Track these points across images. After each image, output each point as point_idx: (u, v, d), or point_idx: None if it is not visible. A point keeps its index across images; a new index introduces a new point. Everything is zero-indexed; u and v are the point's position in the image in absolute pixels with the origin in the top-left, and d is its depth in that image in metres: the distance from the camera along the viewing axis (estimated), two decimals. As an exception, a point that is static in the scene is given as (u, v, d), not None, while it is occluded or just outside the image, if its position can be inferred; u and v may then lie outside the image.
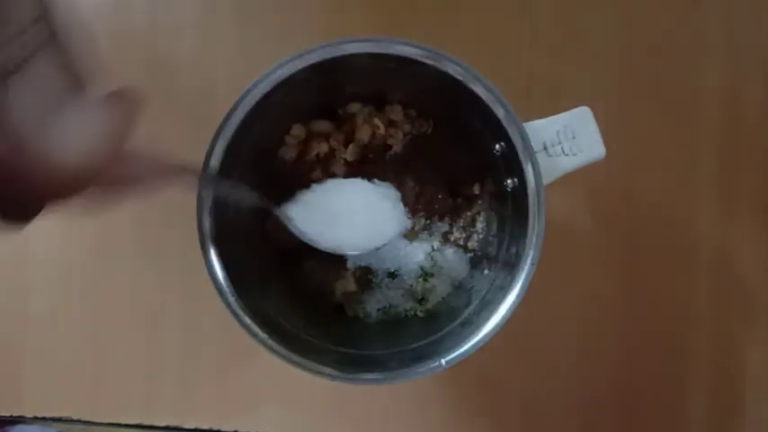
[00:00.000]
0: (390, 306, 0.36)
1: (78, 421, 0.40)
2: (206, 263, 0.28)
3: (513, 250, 0.31)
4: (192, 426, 0.39)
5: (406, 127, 0.35)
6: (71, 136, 0.17)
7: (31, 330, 0.40)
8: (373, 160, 0.35)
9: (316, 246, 0.30)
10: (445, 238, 0.35)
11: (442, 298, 0.36)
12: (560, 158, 0.30)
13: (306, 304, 0.35)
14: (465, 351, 0.28)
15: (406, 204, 0.34)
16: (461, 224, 0.35)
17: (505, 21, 0.40)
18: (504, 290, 0.29)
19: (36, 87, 0.17)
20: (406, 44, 0.28)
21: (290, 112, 0.32)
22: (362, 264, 0.35)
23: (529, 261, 0.28)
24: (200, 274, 0.28)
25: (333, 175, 0.35)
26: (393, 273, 0.35)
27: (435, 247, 0.35)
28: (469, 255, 0.36)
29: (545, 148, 0.30)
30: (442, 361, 0.28)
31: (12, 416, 0.40)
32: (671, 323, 0.39)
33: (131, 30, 0.40)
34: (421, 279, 0.35)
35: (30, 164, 0.16)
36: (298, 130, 0.35)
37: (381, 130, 0.35)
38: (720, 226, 0.39)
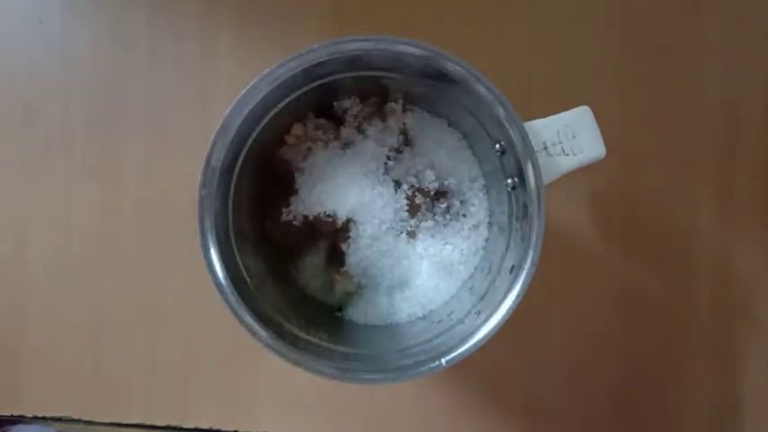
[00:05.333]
0: (390, 306, 0.35)
1: (78, 421, 0.40)
2: (206, 263, 0.28)
3: (514, 250, 0.31)
4: (191, 426, 0.39)
5: (406, 126, 0.35)
6: None
7: (31, 330, 0.40)
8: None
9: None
10: (445, 237, 0.35)
11: (443, 298, 0.35)
12: (560, 158, 0.30)
13: (306, 304, 0.35)
14: (465, 351, 0.28)
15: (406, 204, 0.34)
16: (462, 224, 0.35)
17: (505, 21, 0.40)
18: (504, 290, 0.29)
19: None
20: (406, 44, 0.28)
21: (289, 111, 0.32)
22: (362, 263, 0.35)
23: (529, 261, 0.28)
24: (201, 274, 0.28)
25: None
26: (393, 272, 0.35)
27: (435, 247, 0.35)
28: (470, 255, 0.35)
29: (545, 148, 0.30)
30: (442, 361, 0.28)
31: (12, 415, 0.40)
32: (671, 323, 0.39)
33: (131, 29, 0.40)
34: (422, 279, 0.35)
35: None
36: (298, 130, 0.35)
37: (381, 129, 0.35)
38: (721, 226, 0.39)
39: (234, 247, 0.30)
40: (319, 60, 0.28)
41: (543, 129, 0.30)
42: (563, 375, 0.39)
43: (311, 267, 0.36)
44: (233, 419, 0.39)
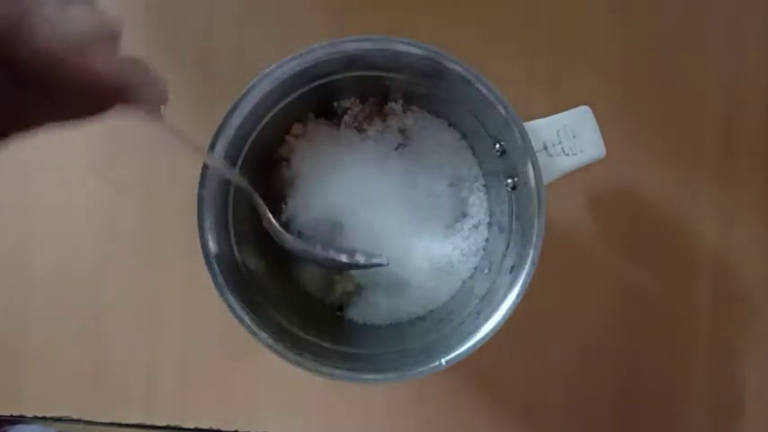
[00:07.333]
0: (390, 306, 0.35)
1: (78, 421, 0.39)
2: (206, 263, 0.28)
3: (514, 250, 0.31)
4: (191, 426, 0.39)
5: (406, 126, 0.35)
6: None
7: (31, 330, 0.40)
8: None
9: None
10: (446, 237, 0.35)
11: (443, 298, 0.35)
12: (560, 158, 0.30)
13: (306, 304, 0.35)
14: (465, 351, 0.28)
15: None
16: (462, 224, 0.35)
17: (506, 21, 0.40)
18: (504, 290, 0.29)
19: None
20: (407, 44, 0.28)
21: (290, 111, 0.32)
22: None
23: (529, 261, 0.28)
24: (201, 273, 0.28)
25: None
26: (393, 272, 0.35)
27: (436, 247, 0.35)
28: (470, 255, 0.35)
29: (545, 148, 0.30)
30: (442, 361, 0.28)
31: (12, 415, 0.40)
32: (671, 323, 0.39)
33: (131, 30, 0.40)
34: (422, 279, 0.35)
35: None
36: (298, 130, 0.35)
37: (381, 129, 0.35)
38: (720, 225, 0.39)
39: (234, 247, 0.30)
40: (319, 60, 0.28)
41: (543, 129, 0.30)
42: (563, 376, 0.39)
43: (311, 267, 0.36)
44: (233, 419, 0.39)
